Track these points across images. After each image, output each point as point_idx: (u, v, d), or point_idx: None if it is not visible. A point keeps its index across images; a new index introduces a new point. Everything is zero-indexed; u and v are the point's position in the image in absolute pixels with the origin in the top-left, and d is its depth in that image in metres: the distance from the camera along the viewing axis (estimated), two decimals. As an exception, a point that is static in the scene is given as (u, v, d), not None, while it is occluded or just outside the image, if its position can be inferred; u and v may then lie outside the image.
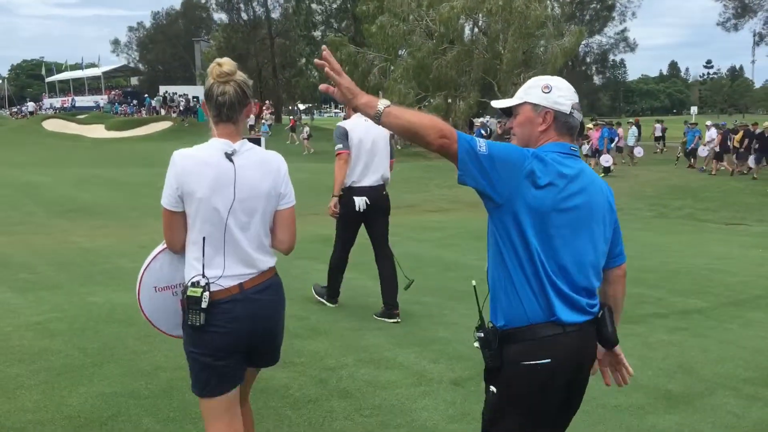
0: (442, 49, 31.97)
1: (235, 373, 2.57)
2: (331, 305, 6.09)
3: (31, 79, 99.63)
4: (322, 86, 2.30)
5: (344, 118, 6.03)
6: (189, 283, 2.46)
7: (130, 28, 77.83)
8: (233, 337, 2.49)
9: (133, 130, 46.49)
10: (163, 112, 51.51)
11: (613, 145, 24.69)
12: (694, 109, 34.74)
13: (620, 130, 25.36)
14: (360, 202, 5.54)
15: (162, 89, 57.21)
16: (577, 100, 2.29)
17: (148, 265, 2.59)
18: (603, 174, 21.38)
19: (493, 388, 2.20)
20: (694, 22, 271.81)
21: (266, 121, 37.56)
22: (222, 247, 2.48)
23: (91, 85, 72.05)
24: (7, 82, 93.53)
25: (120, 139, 43.69)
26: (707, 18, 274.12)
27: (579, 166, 2.23)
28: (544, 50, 31.27)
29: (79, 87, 73.19)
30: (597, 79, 45.30)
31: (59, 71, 79.13)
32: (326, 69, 2.10)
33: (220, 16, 66.83)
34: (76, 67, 79.47)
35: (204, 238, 2.47)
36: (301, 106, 57.68)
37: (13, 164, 25.98)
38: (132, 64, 76.66)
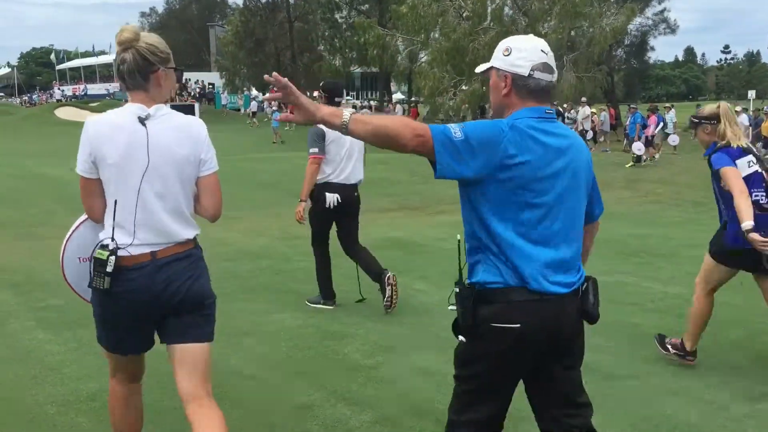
0: (478, 30, 30.01)
1: (137, 342, 2.56)
2: (329, 307, 5.81)
3: (41, 67, 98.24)
4: (281, 116, 2.26)
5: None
6: (98, 245, 2.41)
7: (142, 14, 76.29)
8: (138, 306, 2.43)
9: (148, 118, 44.90)
10: (177, 99, 50.01)
11: (656, 130, 22.15)
12: (751, 93, 32.10)
13: (653, 118, 22.43)
14: (331, 198, 5.48)
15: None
16: (543, 60, 2.17)
17: (70, 236, 2.59)
18: (633, 163, 19.51)
19: (462, 338, 2.22)
20: (711, 6, 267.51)
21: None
22: (134, 213, 2.41)
23: (103, 73, 70.54)
24: (17, 70, 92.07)
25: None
26: (723, 2, 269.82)
27: (557, 129, 2.18)
28: (590, 30, 29.12)
29: (90, 75, 71.76)
30: (635, 63, 43.02)
31: (69, 59, 77.60)
32: (275, 93, 2.05)
33: (235, 0, 65.51)
34: (87, 54, 77.88)
35: (115, 203, 2.42)
36: (315, 94, 55.68)
37: (27, 154, 24.26)
38: (144, 51, 74.82)
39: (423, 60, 35.80)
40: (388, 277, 5.49)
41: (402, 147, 2.00)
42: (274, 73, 2.02)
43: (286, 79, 2.02)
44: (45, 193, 14.33)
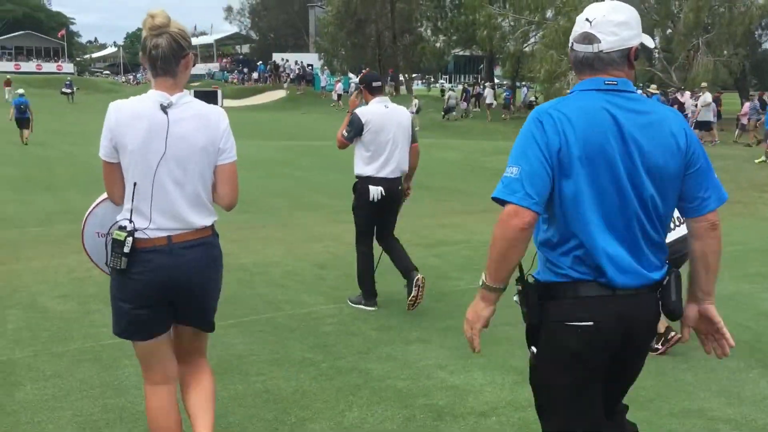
0: (602, 8, 27.56)
1: (153, 324, 2.57)
2: (370, 309, 5.45)
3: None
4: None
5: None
6: (116, 226, 2.48)
7: (243, -5, 76.43)
8: (153, 287, 2.48)
9: (248, 98, 44.80)
10: (275, 80, 49.68)
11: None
12: None
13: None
14: (375, 191, 5.29)
15: (275, 56, 55.32)
16: (584, 30, 2.07)
17: (91, 211, 2.67)
18: (765, 159, 16.26)
19: (533, 348, 2.12)
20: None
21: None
22: (150, 198, 2.46)
23: (203, 53, 71.52)
24: (123, 50, 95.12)
25: (235, 108, 41.93)
26: None
27: (625, 102, 2.04)
28: (728, 9, 26.10)
29: (191, 55, 72.87)
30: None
31: (173, 39, 79.02)
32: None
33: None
34: (193, 34, 79.14)
35: (134, 186, 2.46)
36: (400, 77, 53.62)
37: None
38: (244, 32, 75.47)
39: (533, 41, 33.61)
40: (418, 278, 5.18)
41: (520, 239, 1.96)
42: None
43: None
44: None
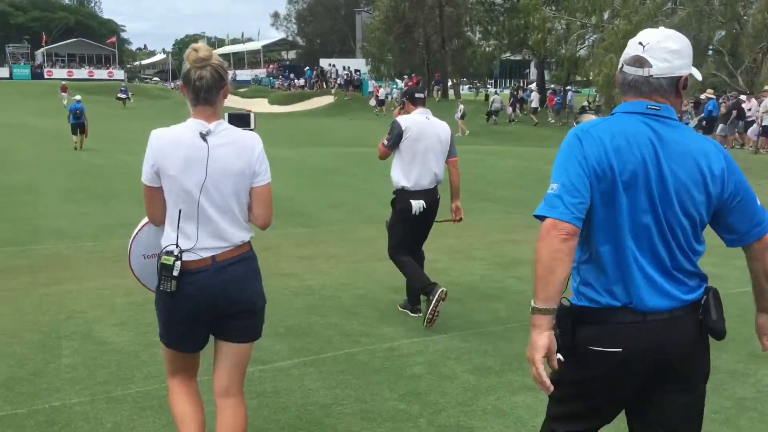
0: (664, 10, 26.53)
1: (198, 339, 2.74)
2: (414, 315, 5.39)
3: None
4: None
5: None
6: (163, 252, 2.59)
7: (290, 1, 76.75)
8: (201, 305, 2.60)
9: (295, 104, 44.69)
10: (321, 85, 49.51)
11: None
12: None
13: None
14: (417, 206, 5.22)
15: (323, 62, 55.25)
16: (635, 53, 2.07)
17: (135, 235, 2.80)
18: None
19: (560, 356, 2.06)
20: None
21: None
22: (195, 221, 2.58)
23: (250, 59, 71.98)
24: (171, 56, 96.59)
25: (283, 114, 41.86)
26: None
27: (662, 129, 2.03)
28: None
29: (238, 61, 73.44)
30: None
31: (220, 46, 79.87)
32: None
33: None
34: (236, 41, 79.93)
35: (180, 211, 2.58)
36: (440, 82, 52.53)
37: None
38: (290, 38, 75.78)
39: (586, 44, 32.63)
40: (442, 291, 4.97)
41: (561, 253, 1.95)
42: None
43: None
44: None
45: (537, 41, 31.39)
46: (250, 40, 75.03)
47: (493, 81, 58.15)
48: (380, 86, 42.53)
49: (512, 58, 48.46)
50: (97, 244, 7.89)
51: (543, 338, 1.97)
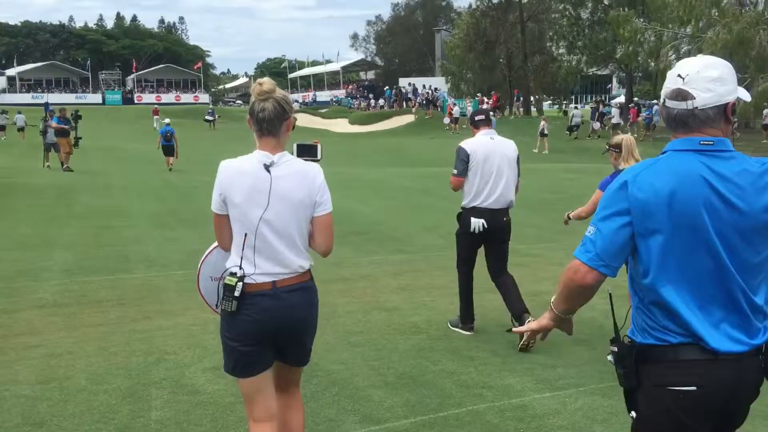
0: (767, 18, 24.83)
1: (259, 360, 2.79)
2: (466, 333, 5.36)
3: (274, 76, 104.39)
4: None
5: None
6: (227, 273, 2.74)
7: (369, 22, 77.54)
8: (259, 327, 2.71)
9: (376, 124, 44.53)
10: (400, 105, 49.25)
11: None
12: None
13: None
14: (476, 223, 5.22)
15: (402, 81, 55.09)
16: (676, 86, 1.99)
17: (205, 258, 2.93)
18: None
19: (633, 414, 2.06)
20: None
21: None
22: (258, 247, 2.71)
23: (330, 81, 72.78)
24: (253, 79, 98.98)
25: (363, 133, 41.75)
26: None
27: (718, 166, 1.94)
28: None
29: (318, 83, 74.40)
30: None
31: (301, 68, 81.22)
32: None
33: (459, 4, 64.04)
34: (316, 63, 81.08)
35: (245, 237, 2.71)
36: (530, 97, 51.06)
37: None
38: (369, 58, 76.29)
39: (682, 56, 30.92)
40: (529, 321, 4.72)
41: (585, 287, 2.04)
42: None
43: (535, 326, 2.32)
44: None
45: (628, 54, 30.13)
46: (329, 61, 75.95)
47: (573, 96, 56.48)
48: (455, 104, 41.87)
49: (597, 72, 46.91)
50: (187, 272, 7.52)
51: (548, 324, 2.24)
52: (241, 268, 2.69)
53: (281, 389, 2.92)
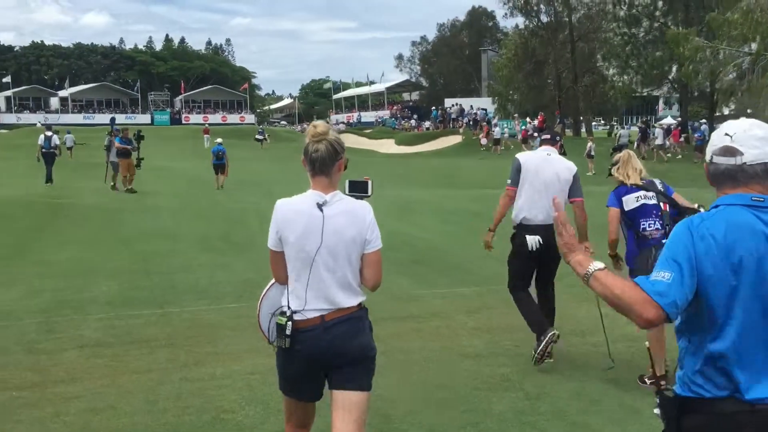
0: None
1: (307, 389, 2.94)
2: (551, 336, 5.01)
3: (318, 97, 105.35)
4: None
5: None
6: (278, 312, 2.86)
7: (413, 43, 77.25)
8: (310, 358, 2.82)
9: (423, 144, 43.84)
10: (446, 125, 48.53)
11: None
12: None
13: None
14: (533, 241, 5.07)
15: (448, 102, 54.40)
16: (723, 144, 2.07)
17: (264, 294, 3.00)
18: None
19: None
20: None
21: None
22: (308, 284, 2.81)
23: (374, 102, 72.59)
24: (297, 100, 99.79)
25: (411, 154, 41.09)
26: None
27: (756, 220, 1.99)
28: None
29: (361, 103, 74.26)
30: None
31: (345, 89, 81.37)
32: (557, 222, 2.19)
33: (505, 24, 63.15)
34: (359, 84, 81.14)
35: (296, 275, 2.83)
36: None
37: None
38: (414, 79, 75.89)
39: (732, 75, 29.60)
40: (553, 333, 4.93)
41: (634, 321, 2.00)
42: (557, 213, 2.20)
43: (562, 209, 2.20)
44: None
45: (687, 74, 28.87)
46: (373, 83, 75.82)
47: (618, 118, 55.01)
48: (496, 125, 40.99)
49: (648, 93, 45.53)
50: (241, 306, 6.87)
51: (576, 258, 2.11)
52: (289, 307, 2.80)
53: None
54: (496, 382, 4.79)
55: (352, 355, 2.83)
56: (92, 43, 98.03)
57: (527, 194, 5.11)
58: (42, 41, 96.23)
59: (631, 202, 4.84)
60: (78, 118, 65.79)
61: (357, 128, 57.04)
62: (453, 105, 52.41)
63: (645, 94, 46.56)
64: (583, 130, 44.65)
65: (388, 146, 43.25)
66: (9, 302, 7.03)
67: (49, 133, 20.46)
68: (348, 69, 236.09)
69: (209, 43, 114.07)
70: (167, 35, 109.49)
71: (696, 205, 4.34)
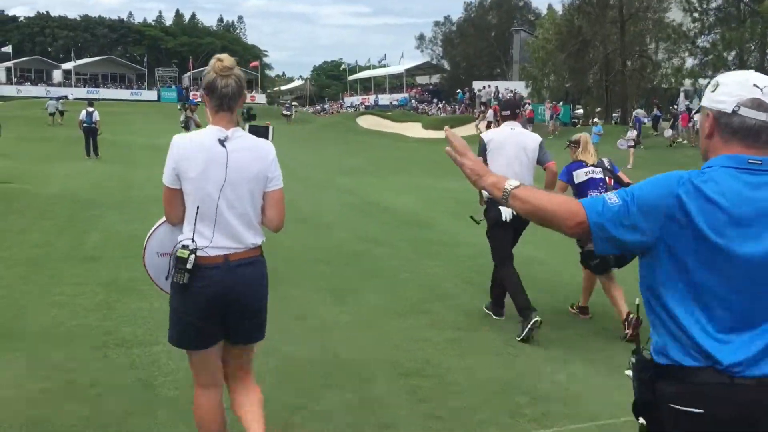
0: None
1: (208, 333, 2.81)
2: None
3: (330, 79, 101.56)
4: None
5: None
6: (179, 245, 2.74)
7: (436, 23, 72.95)
8: (211, 299, 2.73)
9: (453, 129, 39.87)
10: (468, 111, 44.52)
11: None
12: None
13: None
14: (507, 212, 5.32)
15: (477, 84, 50.22)
16: (754, 95, 1.78)
17: (151, 234, 2.91)
18: None
19: (642, 420, 1.95)
20: None
21: (598, 122, 28.43)
22: (212, 221, 2.73)
23: (392, 84, 68.54)
24: (309, 82, 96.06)
25: (441, 139, 37.20)
26: None
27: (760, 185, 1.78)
28: None
29: (377, 86, 70.16)
30: None
31: (360, 71, 77.22)
32: (447, 149, 2.04)
33: (537, 4, 59.04)
34: (373, 67, 76.97)
35: (197, 210, 2.73)
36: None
37: (343, 170, 19.53)
38: (435, 61, 71.65)
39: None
40: (536, 321, 5.10)
41: (561, 231, 1.89)
42: (447, 131, 2.12)
43: (460, 139, 2.02)
44: (401, 239, 8.33)
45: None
46: (386, 66, 71.66)
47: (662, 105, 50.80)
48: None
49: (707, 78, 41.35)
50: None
51: (477, 177, 2.01)
52: (193, 241, 2.70)
53: (235, 377, 2.95)
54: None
55: (252, 306, 2.81)
56: (99, 16, 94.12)
57: (497, 170, 3.72)
58: (47, 12, 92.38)
59: (581, 175, 5.65)
60: (81, 92, 61.77)
61: (380, 110, 52.98)
62: (484, 87, 48.09)
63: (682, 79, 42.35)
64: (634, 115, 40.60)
65: (415, 130, 39.27)
66: None
67: (90, 109, 20.13)
68: (358, 54, 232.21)
69: (221, 20, 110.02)
70: (177, 10, 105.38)
71: None
